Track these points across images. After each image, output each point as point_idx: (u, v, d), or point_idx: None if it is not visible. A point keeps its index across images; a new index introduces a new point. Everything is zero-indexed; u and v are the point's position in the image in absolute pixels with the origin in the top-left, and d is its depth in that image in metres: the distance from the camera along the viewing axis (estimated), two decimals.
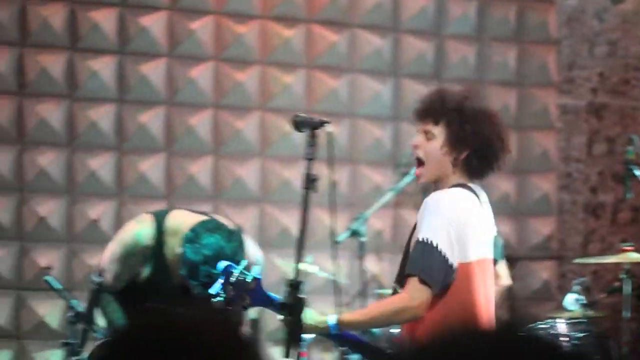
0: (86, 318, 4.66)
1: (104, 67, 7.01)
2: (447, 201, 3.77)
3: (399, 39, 7.54)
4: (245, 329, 1.70)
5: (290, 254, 7.02)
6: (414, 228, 3.82)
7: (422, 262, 3.69)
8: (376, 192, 7.05)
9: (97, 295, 4.55)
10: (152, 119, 7.08)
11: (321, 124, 3.64)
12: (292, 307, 3.32)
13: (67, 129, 6.96)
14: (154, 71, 7.09)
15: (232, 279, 3.75)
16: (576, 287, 5.77)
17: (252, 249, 4.47)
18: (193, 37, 7.15)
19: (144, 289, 4.47)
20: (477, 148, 3.87)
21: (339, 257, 3.55)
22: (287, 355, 3.31)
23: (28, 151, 6.90)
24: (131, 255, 4.45)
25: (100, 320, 4.69)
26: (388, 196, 6.36)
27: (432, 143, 3.88)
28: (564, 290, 7.48)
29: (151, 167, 7.06)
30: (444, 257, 3.68)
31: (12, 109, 6.88)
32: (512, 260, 7.30)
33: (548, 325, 5.39)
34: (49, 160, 6.92)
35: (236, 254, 4.20)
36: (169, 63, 7.13)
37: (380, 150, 7.37)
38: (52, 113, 6.93)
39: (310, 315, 3.72)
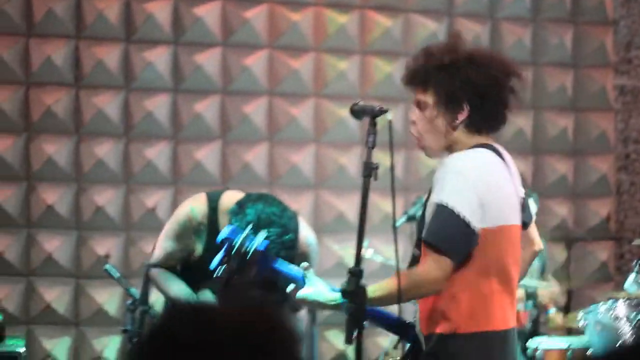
0: (141, 301, 4.66)
1: (159, 58, 7.04)
2: (469, 161, 3.42)
3: (453, 22, 7.49)
4: (286, 320, 1.65)
5: (346, 239, 7.07)
6: (430, 190, 3.51)
7: (441, 230, 3.36)
8: (431, 175, 7.00)
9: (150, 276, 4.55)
10: (207, 108, 7.11)
11: (381, 112, 3.37)
12: (353, 294, 3.29)
13: (124, 120, 7.01)
14: (208, 60, 7.11)
15: (233, 252, 3.59)
16: (637, 268, 5.70)
17: (305, 230, 4.42)
18: (247, 26, 7.15)
19: (197, 267, 4.45)
20: (474, 102, 3.45)
21: (394, 241, 3.37)
22: (348, 342, 3.28)
23: (85, 142, 6.96)
24: (185, 232, 4.45)
25: (156, 303, 4.69)
26: None
27: (427, 112, 3.50)
28: (622, 271, 7.43)
29: (207, 156, 7.09)
30: (466, 223, 3.35)
31: (69, 100, 6.93)
32: (570, 242, 7.27)
33: (608, 306, 5.33)
34: (105, 151, 6.97)
35: (281, 217, 4.16)
36: (224, 52, 7.14)
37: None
38: (108, 104, 6.98)
39: (323, 292, 3.49)
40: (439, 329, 3.47)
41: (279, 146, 7.20)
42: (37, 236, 6.90)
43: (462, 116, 3.47)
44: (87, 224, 6.95)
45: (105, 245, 6.94)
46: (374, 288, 3.43)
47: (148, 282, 4.57)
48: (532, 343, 5.75)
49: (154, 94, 7.05)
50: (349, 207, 7.18)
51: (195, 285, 4.52)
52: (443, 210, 3.38)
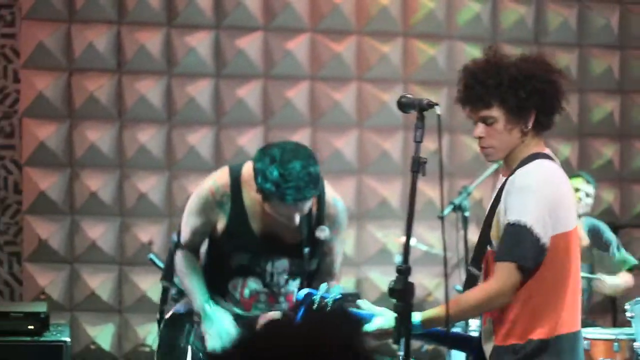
0: (164, 276, 4.65)
1: (201, 43, 7.01)
2: (537, 177, 3.55)
3: (498, 3, 7.40)
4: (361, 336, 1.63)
5: (389, 225, 7.02)
6: (493, 205, 3.60)
7: (515, 248, 3.50)
8: (475, 161, 6.93)
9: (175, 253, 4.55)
10: (249, 93, 7.07)
11: (429, 105, 3.44)
12: (401, 292, 3.25)
13: (166, 105, 6.99)
14: (250, 45, 7.07)
15: (315, 306, 3.61)
16: None
17: (332, 192, 4.41)
18: (289, 9, 7.10)
19: (222, 241, 4.44)
20: (540, 105, 3.60)
21: (439, 229, 3.40)
22: (397, 342, 3.25)
23: (128, 128, 6.96)
24: (208, 205, 4.42)
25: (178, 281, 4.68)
26: (492, 169, 6.22)
27: (496, 126, 3.60)
28: None
29: (249, 141, 7.06)
30: (537, 238, 3.49)
31: (111, 86, 6.92)
32: (616, 228, 7.16)
33: None
34: (148, 137, 6.96)
35: (305, 149, 4.21)
36: (265, 36, 7.09)
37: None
38: (150, 90, 6.96)
39: (390, 318, 3.52)
40: (530, 336, 3.54)
41: (321, 131, 7.15)
42: (81, 223, 6.91)
43: (531, 122, 3.60)
44: (130, 211, 6.95)
45: (149, 232, 6.94)
46: (440, 307, 3.56)
47: (173, 259, 4.56)
48: None
49: (196, 79, 7.02)
50: (392, 193, 7.14)
51: (221, 263, 4.49)
52: (516, 228, 3.50)
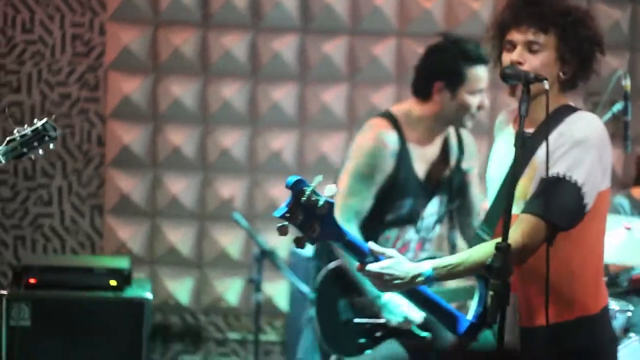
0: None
1: (236, 45, 6.90)
2: (594, 131, 3.30)
3: None
4: None
5: None
6: (516, 162, 3.25)
7: (555, 204, 3.21)
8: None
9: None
10: (335, 49, 6.97)
11: (537, 79, 3.21)
12: (499, 270, 3.15)
13: (251, 60, 6.93)
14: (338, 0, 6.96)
15: (303, 199, 3.15)
16: None
17: None
18: (377, 12, 6.95)
19: (386, 189, 4.49)
20: (585, 58, 3.36)
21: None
22: (492, 321, 3.15)
23: (212, 83, 6.91)
24: (381, 158, 4.48)
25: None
26: None
27: (540, 56, 3.33)
28: None
29: (334, 97, 6.97)
30: (582, 197, 3.24)
31: (197, 41, 6.88)
32: None
33: None
34: (232, 92, 6.92)
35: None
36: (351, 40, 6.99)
37: None
38: (236, 44, 6.91)
39: (403, 263, 3.26)
40: (572, 314, 3.35)
41: (405, 87, 7.01)
42: (163, 177, 6.91)
43: (572, 70, 3.37)
44: (213, 166, 6.93)
45: (231, 188, 6.92)
46: (453, 257, 3.33)
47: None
48: None
49: (282, 34, 6.94)
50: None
51: (377, 217, 4.52)
52: (562, 183, 3.25)
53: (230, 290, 6.97)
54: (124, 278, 5.62)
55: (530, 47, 3.34)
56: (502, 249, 3.10)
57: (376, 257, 3.29)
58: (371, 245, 3.30)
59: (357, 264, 3.30)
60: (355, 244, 3.29)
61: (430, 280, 3.30)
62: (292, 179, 3.17)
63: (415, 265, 3.29)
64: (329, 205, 3.18)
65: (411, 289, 3.35)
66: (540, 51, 3.34)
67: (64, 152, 6.89)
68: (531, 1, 3.36)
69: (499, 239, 3.19)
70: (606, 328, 3.45)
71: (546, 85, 3.23)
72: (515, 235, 3.24)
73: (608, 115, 5.38)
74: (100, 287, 5.55)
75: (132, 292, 5.61)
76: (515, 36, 3.36)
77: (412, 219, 4.57)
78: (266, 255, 5.64)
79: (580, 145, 3.26)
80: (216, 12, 6.89)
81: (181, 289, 6.94)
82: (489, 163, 3.56)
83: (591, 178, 3.27)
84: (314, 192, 3.17)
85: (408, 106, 4.67)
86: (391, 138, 4.53)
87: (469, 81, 4.52)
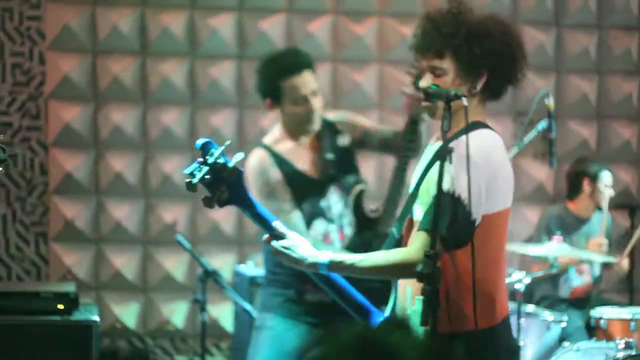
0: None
1: (223, 25, 7.07)
2: (479, 147, 3.35)
3: None
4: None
5: None
6: (424, 171, 3.42)
7: (442, 217, 3.27)
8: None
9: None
10: None
11: (456, 96, 3.33)
12: (429, 276, 3.31)
13: (189, 87, 7.06)
14: (272, 27, 7.12)
15: (210, 159, 3.33)
16: None
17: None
18: None
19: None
20: (492, 69, 3.44)
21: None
22: (423, 324, 3.31)
23: (152, 110, 7.03)
24: (263, 175, 4.75)
25: None
26: (513, 151, 6.25)
27: (444, 79, 3.44)
28: None
29: (271, 123, 7.11)
30: (468, 212, 3.31)
31: (135, 68, 7.00)
32: (633, 209, 7.21)
33: None
34: (172, 118, 7.04)
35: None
36: (288, 18, 7.15)
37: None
38: (174, 72, 7.03)
39: (304, 247, 3.45)
40: (466, 326, 3.43)
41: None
42: (106, 203, 7.00)
43: (480, 83, 3.47)
44: (155, 192, 7.04)
45: (173, 212, 7.03)
46: (353, 256, 3.47)
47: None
48: (595, 313, 5.76)
49: (219, 61, 7.09)
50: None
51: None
52: (446, 198, 3.33)
53: (176, 313, 7.06)
54: (71, 302, 5.68)
55: (434, 72, 3.48)
56: (431, 257, 3.27)
57: (281, 235, 3.47)
58: (275, 224, 3.49)
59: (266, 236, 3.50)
60: (263, 217, 3.47)
61: (324, 270, 3.47)
62: (202, 140, 3.38)
63: (315, 253, 3.47)
64: (238, 172, 3.35)
65: (325, 277, 3.54)
66: (443, 75, 3.47)
67: (8, 181, 6.96)
68: (427, 29, 3.47)
69: (391, 250, 3.42)
70: (504, 339, 3.53)
71: (464, 102, 3.36)
72: (410, 250, 3.41)
73: (533, 133, 5.59)
74: (47, 311, 5.61)
75: (79, 315, 5.68)
76: (422, 63, 3.51)
77: (315, 212, 4.75)
78: (210, 276, 5.74)
79: (465, 162, 3.31)
80: (154, 40, 7.01)
81: (128, 313, 7.03)
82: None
83: (476, 191, 3.34)
84: (221, 154, 3.35)
85: (274, 133, 4.88)
86: (265, 158, 4.75)
87: (288, 92, 4.70)
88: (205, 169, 3.34)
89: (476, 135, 3.41)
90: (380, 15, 7.24)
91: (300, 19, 7.16)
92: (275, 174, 4.71)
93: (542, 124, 5.47)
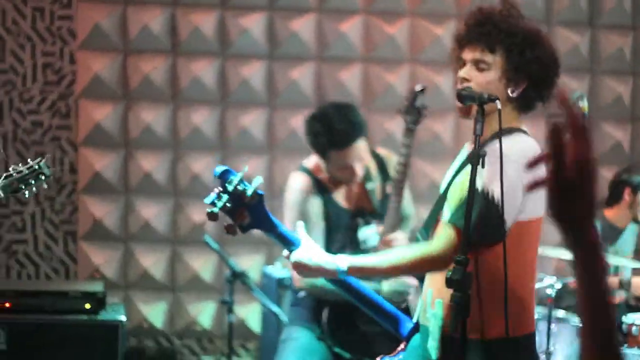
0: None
1: (254, 24, 7.04)
2: (519, 151, 3.29)
3: None
4: None
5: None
6: (455, 173, 3.42)
7: (472, 214, 3.18)
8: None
9: None
10: (302, 75, 7.10)
11: (490, 99, 3.29)
12: (459, 283, 3.26)
13: (220, 87, 7.05)
14: (303, 27, 7.09)
15: (229, 187, 3.34)
16: None
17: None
18: None
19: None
20: (535, 78, 3.41)
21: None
22: (454, 330, 3.26)
23: (182, 109, 7.02)
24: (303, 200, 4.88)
25: None
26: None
27: (487, 75, 3.40)
28: None
29: (302, 123, 7.07)
30: (500, 214, 3.24)
31: (166, 68, 6.99)
32: None
33: None
34: (202, 118, 7.03)
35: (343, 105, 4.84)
36: (318, 18, 7.11)
37: None
38: (204, 71, 7.02)
39: (322, 257, 3.42)
40: (492, 333, 3.37)
41: (373, 113, 7.16)
42: (135, 203, 7.00)
43: (520, 89, 3.43)
44: (184, 191, 7.03)
45: (202, 212, 7.00)
46: (372, 257, 3.45)
47: None
48: (627, 319, 5.69)
49: (249, 61, 7.07)
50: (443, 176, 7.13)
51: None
52: (480, 196, 3.29)
53: (204, 313, 7.05)
54: (98, 301, 5.71)
55: (477, 65, 3.43)
56: (461, 262, 3.22)
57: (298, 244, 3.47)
58: (298, 225, 3.51)
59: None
60: (286, 237, 3.47)
61: (343, 276, 3.44)
62: (220, 169, 3.41)
63: (333, 259, 3.44)
64: (259, 196, 3.36)
65: (354, 290, 3.51)
66: (487, 70, 3.42)
67: None
68: (482, 21, 3.44)
69: (412, 246, 3.42)
70: (534, 349, 3.48)
71: (498, 104, 3.31)
72: (436, 243, 3.37)
73: None
74: (74, 310, 5.64)
75: (106, 315, 5.70)
76: (466, 54, 3.46)
77: (348, 244, 4.79)
78: (238, 277, 5.73)
79: (500, 161, 3.26)
80: (185, 39, 7.00)
81: (155, 313, 7.02)
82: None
83: (511, 193, 3.28)
84: (241, 181, 3.35)
85: (317, 159, 4.93)
86: (309, 186, 4.82)
87: (334, 159, 4.79)
88: (226, 197, 3.36)
89: (514, 140, 3.37)
90: (412, 16, 7.19)
91: (331, 18, 7.12)
92: (316, 206, 4.78)
93: None
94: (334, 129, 4.74)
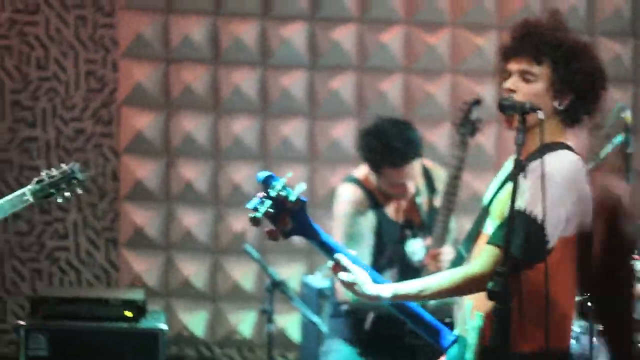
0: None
1: (295, 34, 7.06)
2: (564, 169, 3.30)
3: None
4: None
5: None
6: (499, 186, 3.39)
7: (515, 235, 3.18)
8: None
9: None
10: (343, 85, 7.10)
11: (532, 109, 3.27)
12: (501, 295, 3.24)
13: (261, 96, 7.06)
14: (344, 37, 7.09)
15: (272, 193, 3.34)
16: None
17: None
18: (383, 1, 7.10)
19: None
20: (581, 90, 3.38)
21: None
22: (496, 344, 3.25)
23: (223, 118, 7.05)
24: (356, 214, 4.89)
25: None
26: (589, 166, 6.11)
27: (533, 86, 3.38)
28: None
29: (342, 133, 7.09)
30: (544, 234, 3.24)
31: (207, 77, 7.02)
32: None
33: None
34: (242, 127, 7.05)
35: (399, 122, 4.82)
36: (359, 28, 7.11)
37: None
38: (245, 81, 7.04)
39: (366, 283, 3.37)
40: (530, 347, 3.34)
41: (414, 124, 7.13)
42: (177, 211, 7.03)
43: (566, 101, 3.40)
44: (225, 201, 7.05)
45: (243, 222, 7.02)
46: (416, 282, 3.41)
47: None
48: None
49: (290, 71, 7.08)
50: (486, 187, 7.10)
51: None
52: (523, 217, 3.26)
53: (244, 322, 7.06)
54: (139, 309, 5.73)
55: (524, 76, 3.41)
56: (502, 274, 3.20)
57: (345, 268, 3.43)
58: (339, 257, 3.43)
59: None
60: (328, 245, 3.44)
61: (387, 303, 3.43)
62: (264, 174, 3.41)
63: (378, 288, 3.40)
64: (301, 202, 3.34)
65: (397, 303, 3.48)
66: (534, 81, 3.40)
67: None
68: (528, 32, 3.42)
69: (454, 270, 3.37)
70: None
71: (540, 115, 3.30)
72: (477, 263, 3.35)
73: (610, 147, 5.47)
74: (115, 318, 5.66)
75: (147, 323, 5.72)
76: (512, 65, 3.44)
77: (396, 257, 4.77)
78: (277, 287, 5.73)
79: (544, 181, 3.25)
80: (226, 49, 7.03)
81: (195, 322, 7.04)
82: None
83: (553, 215, 3.28)
84: (284, 186, 3.35)
85: (366, 169, 4.93)
86: (362, 198, 4.82)
87: (388, 176, 4.80)
88: (269, 202, 3.35)
89: (558, 158, 3.35)
90: (454, 26, 7.17)
91: (372, 28, 7.12)
92: (369, 221, 4.78)
93: (618, 138, 5.36)
94: (391, 146, 4.73)
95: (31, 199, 4.11)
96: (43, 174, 4.17)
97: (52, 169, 4.19)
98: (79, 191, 4.21)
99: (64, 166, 4.19)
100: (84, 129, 7.05)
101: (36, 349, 5.45)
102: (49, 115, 7.04)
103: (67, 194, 4.18)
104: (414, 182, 4.78)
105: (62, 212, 7.03)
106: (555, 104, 3.42)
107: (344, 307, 4.77)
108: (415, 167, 4.75)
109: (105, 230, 7.05)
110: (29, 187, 4.13)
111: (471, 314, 3.44)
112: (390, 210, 4.84)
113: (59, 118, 7.04)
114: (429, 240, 4.78)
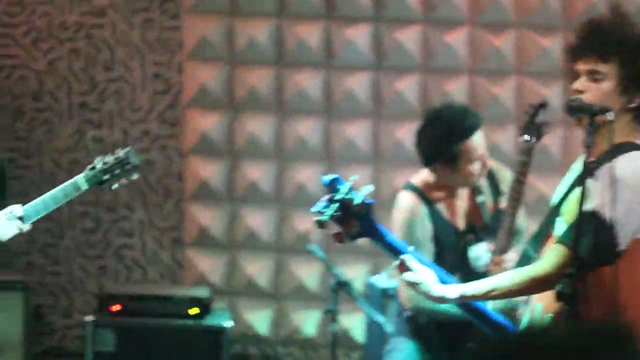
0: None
1: (359, 36, 7.07)
2: (633, 170, 3.26)
3: None
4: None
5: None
6: (569, 187, 3.37)
7: (585, 236, 3.17)
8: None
9: None
10: (408, 86, 7.10)
11: (601, 111, 3.25)
12: (570, 297, 3.22)
13: (325, 98, 7.09)
14: (409, 38, 7.09)
15: (337, 196, 3.36)
16: None
17: None
18: (448, 1, 7.09)
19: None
20: None
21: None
22: None
23: (287, 120, 7.08)
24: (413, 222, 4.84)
25: None
26: None
27: (602, 85, 3.33)
28: None
29: (407, 134, 7.06)
30: (613, 234, 3.22)
31: (271, 79, 7.06)
32: None
33: None
34: (307, 129, 7.07)
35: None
36: (424, 29, 7.11)
37: None
38: (309, 82, 7.07)
39: (432, 283, 3.38)
40: None
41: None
42: (241, 211, 7.07)
43: (636, 99, 3.36)
44: (289, 201, 7.08)
45: (307, 222, 7.04)
46: (482, 282, 3.40)
47: None
48: None
49: (354, 72, 7.09)
50: (552, 189, 7.06)
51: None
52: (596, 220, 3.25)
53: (308, 322, 7.08)
54: (204, 307, 5.78)
55: (592, 76, 3.37)
56: (571, 275, 3.18)
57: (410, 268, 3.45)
58: (405, 257, 3.44)
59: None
60: (395, 246, 3.46)
61: (456, 303, 3.44)
62: (329, 177, 3.44)
63: (443, 289, 3.41)
64: (367, 205, 3.36)
65: (463, 303, 3.49)
66: (603, 80, 3.36)
67: (145, 186, 7.10)
68: (593, 31, 3.39)
69: (521, 269, 3.35)
70: None
71: (610, 116, 3.27)
72: (543, 263, 3.32)
73: None
74: (181, 315, 5.72)
75: (212, 320, 5.77)
76: (579, 65, 3.40)
77: (459, 262, 4.73)
78: (342, 287, 5.75)
79: (616, 184, 3.22)
80: (290, 51, 7.06)
81: (259, 320, 7.07)
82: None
83: (625, 218, 3.25)
84: (350, 189, 3.36)
85: (424, 175, 4.88)
86: (419, 206, 4.76)
87: (465, 154, 4.68)
88: (335, 205, 3.37)
89: (630, 159, 3.32)
90: (519, 27, 7.14)
91: (437, 29, 7.11)
92: (426, 228, 4.72)
93: None
94: (454, 119, 4.70)
95: (85, 186, 3.99)
96: (96, 161, 4.07)
97: (106, 156, 4.08)
98: (134, 176, 4.07)
99: (118, 151, 4.09)
100: (149, 131, 7.12)
101: (103, 345, 5.52)
102: (116, 117, 7.12)
103: (122, 179, 4.06)
104: (485, 154, 4.72)
105: (128, 211, 7.11)
106: (626, 101, 3.38)
107: (406, 314, 4.75)
108: (484, 138, 4.73)
109: (171, 230, 7.12)
110: (82, 174, 4.04)
111: (542, 316, 3.42)
112: (449, 214, 4.78)
113: (126, 120, 7.12)
114: (492, 246, 4.74)
